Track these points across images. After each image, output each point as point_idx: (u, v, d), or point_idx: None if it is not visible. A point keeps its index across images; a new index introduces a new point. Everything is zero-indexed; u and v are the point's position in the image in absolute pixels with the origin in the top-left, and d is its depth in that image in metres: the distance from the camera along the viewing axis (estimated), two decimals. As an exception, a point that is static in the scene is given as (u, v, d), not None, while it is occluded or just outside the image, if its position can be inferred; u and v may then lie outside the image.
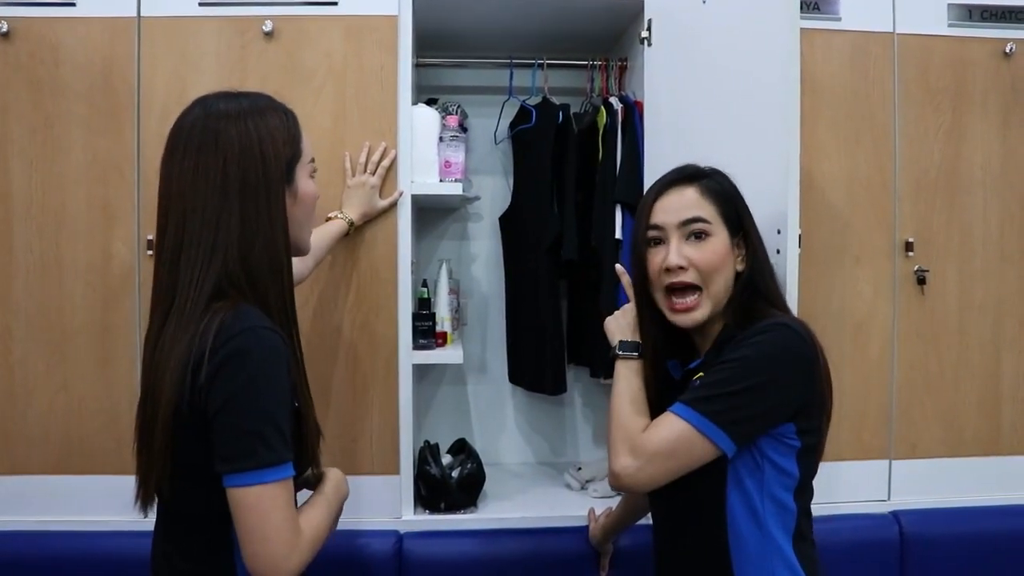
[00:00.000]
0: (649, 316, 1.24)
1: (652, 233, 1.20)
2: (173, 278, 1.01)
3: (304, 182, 1.10)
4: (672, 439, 1.07)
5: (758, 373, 1.07)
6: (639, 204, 1.26)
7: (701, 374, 1.15)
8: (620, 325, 1.28)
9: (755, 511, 1.10)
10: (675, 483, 1.10)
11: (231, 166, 1.01)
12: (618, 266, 1.36)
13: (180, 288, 1.00)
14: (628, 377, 1.21)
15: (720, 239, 1.17)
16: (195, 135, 1.02)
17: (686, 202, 1.18)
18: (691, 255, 1.16)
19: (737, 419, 1.06)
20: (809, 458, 1.13)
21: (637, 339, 1.24)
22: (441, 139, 1.81)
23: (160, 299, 1.03)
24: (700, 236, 1.17)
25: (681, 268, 1.16)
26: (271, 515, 0.94)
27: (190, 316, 0.98)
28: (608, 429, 1.17)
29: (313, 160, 1.13)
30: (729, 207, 1.19)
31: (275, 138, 1.04)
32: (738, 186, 1.23)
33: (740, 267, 1.19)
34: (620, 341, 1.25)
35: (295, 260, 1.52)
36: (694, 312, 1.17)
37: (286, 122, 1.08)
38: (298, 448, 1.03)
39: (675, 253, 1.16)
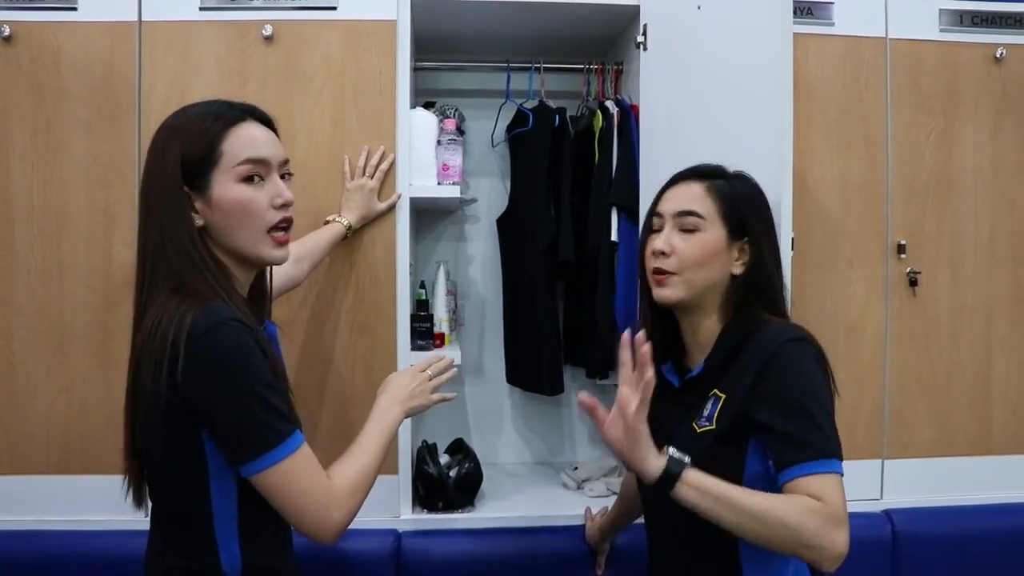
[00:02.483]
0: (654, 314, 1.26)
1: (654, 220, 1.24)
2: (135, 281, 1.08)
3: (223, 188, 1.05)
4: (840, 492, 1.01)
5: (816, 393, 1.07)
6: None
7: (716, 391, 1.15)
8: (639, 436, 1.04)
9: None
10: (687, 526, 1.10)
11: (149, 174, 1.06)
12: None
13: (139, 290, 1.07)
14: (714, 486, 1.02)
15: (712, 236, 1.18)
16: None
17: (688, 196, 1.21)
18: (676, 244, 1.19)
19: (837, 439, 1.06)
20: None
21: (678, 453, 1.06)
22: (439, 142, 1.83)
23: (134, 301, 1.09)
24: (691, 230, 1.19)
25: (663, 254, 1.18)
26: (295, 486, 1.00)
27: (152, 315, 1.01)
28: (775, 539, 1.00)
29: (251, 162, 1.06)
30: (732, 209, 1.19)
31: (175, 145, 1.04)
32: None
33: (737, 270, 1.19)
34: (669, 459, 1.03)
35: (289, 265, 1.54)
36: (665, 288, 1.19)
37: (206, 129, 1.05)
38: None
39: (662, 239, 1.20)
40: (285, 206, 1.10)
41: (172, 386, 0.96)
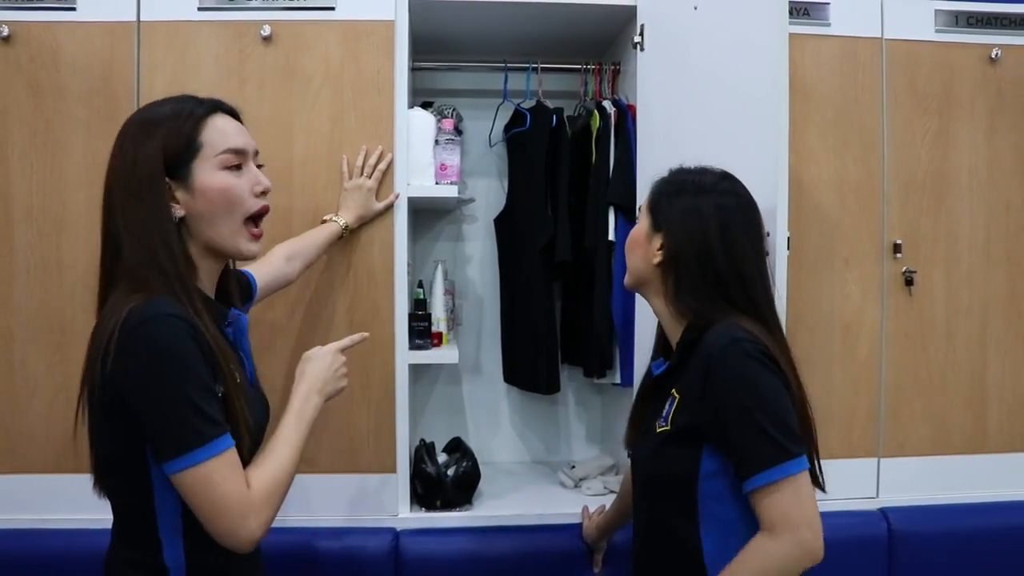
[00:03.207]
0: None
1: None
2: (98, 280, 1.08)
3: (205, 176, 1.06)
4: (794, 496, 1.05)
5: (757, 396, 1.07)
6: None
7: (674, 391, 1.18)
8: None
9: (731, 521, 1.13)
10: (650, 524, 1.20)
11: (116, 170, 1.05)
12: None
13: (101, 289, 1.07)
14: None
15: (640, 226, 1.27)
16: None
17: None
18: None
19: (788, 436, 1.06)
20: None
21: None
22: (437, 142, 1.84)
23: (97, 300, 1.09)
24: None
25: None
26: (211, 491, 0.97)
27: (106, 311, 1.01)
28: None
29: (231, 151, 1.08)
30: (653, 201, 1.26)
31: (155, 138, 1.04)
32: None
33: (655, 259, 1.22)
34: None
35: (281, 263, 1.55)
36: None
37: (184, 121, 1.06)
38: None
39: None
40: (264, 193, 1.13)
41: (104, 378, 0.96)
